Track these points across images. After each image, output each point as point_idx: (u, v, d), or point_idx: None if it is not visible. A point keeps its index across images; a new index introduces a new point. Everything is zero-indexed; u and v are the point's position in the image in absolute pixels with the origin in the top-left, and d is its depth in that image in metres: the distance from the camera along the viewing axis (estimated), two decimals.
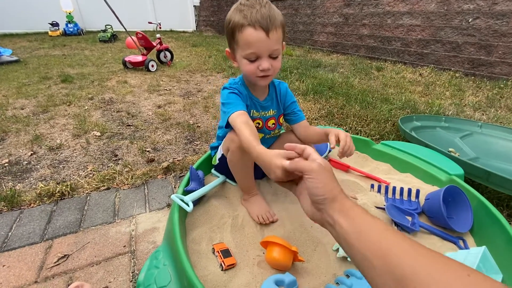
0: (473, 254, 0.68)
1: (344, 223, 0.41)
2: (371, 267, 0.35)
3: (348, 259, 0.72)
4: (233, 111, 0.78)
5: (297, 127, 0.98)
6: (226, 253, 0.73)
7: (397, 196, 1.00)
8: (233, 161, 0.86)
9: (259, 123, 0.94)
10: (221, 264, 0.70)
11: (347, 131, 1.54)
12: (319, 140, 0.92)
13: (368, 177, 1.12)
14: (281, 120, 1.00)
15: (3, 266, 0.81)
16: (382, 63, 3.70)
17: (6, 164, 1.34)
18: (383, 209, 0.91)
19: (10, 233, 0.93)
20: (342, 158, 0.80)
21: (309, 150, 0.50)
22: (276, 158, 0.54)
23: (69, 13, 6.61)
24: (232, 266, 0.71)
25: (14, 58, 3.59)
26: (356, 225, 0.40)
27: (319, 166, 0.46)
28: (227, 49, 0.85)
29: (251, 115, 0.91)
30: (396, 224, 0.84)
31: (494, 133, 1.53)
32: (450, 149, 1.34)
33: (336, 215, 0.42)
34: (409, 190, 0.99)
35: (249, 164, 0.87)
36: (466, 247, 0.80)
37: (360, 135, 1.56)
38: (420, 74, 3.09)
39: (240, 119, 0.75)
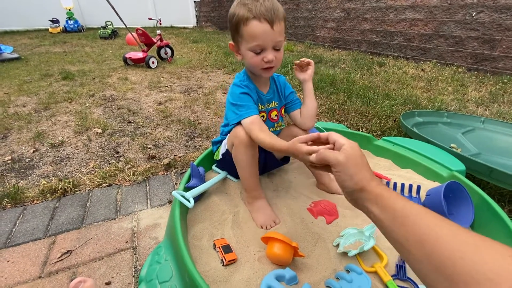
0: None
1: (376, 212, 0.41)
2: (409, 254, 0.35)
3: (348, 254, 0.73)
4: (246, 115, 0.80)
5: (296, 114, 0.99)
6: (227, 248, 0.73)
7: (398, 192, 1.00)
8: (238, 157, 0.86)
9: (263, 116, 0.94)
10: (222, 259, 0.71)
11: (348, 127, 1.54)
12: (310, 106, 0.95)
13: None
14: (283, 111, 1.01)
15: (8, 261, 0.82)
16: (384, 59, 3.67)
17: (9, 161, 1.35)
18: None
19: (14, 229, 0.94)
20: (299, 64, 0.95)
21: (334, 136, 0.50)
22: (300, 147, 0.56)
23: (69, 10, 6.59)
24: (233, 261, 0.71)
25: (15, 55, 3.59)
26: (388, 213, 0.39)
27: (345, 159, 0.45)
28: (231, 42, 0.85)
29: (258, 109, 0.92)
30: None
31: (497, 129, 1.51)
32: (452, 145, 1.33)
33: (368, 204, 0.43)
34: (410, 186, 0.99)
35: (254, 161, 0.86)
36: None
37: (362, 131, 1.56)
38: (422, 69, 3.07)
39: (255, 127, 0.77)
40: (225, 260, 0.70)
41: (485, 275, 0.26)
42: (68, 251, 0.85)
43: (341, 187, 0.47)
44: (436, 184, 1.02)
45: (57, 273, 0.78)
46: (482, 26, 2.82)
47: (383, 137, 1.31)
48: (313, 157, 0.51)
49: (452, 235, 0.32)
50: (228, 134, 0.91)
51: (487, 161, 1.00)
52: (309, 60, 0.94)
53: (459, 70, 2.98)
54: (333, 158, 0.46)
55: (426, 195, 0.91)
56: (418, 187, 0.98)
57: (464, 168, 1.03)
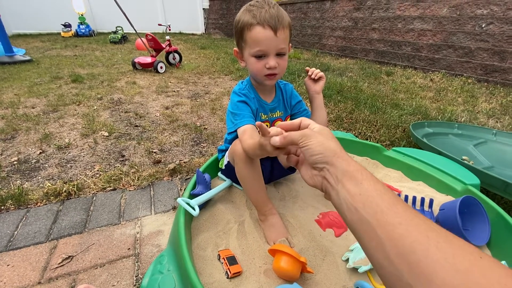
0: None
1: (348, 185, 0.36)
2: (373, 236, 0.32)
3: (359, 270, 0.70)
4: (241, 124, 0.79)
5: None
6: (232, 260, 0.71)
7: (409, 205, 0.96)
8: (240, 173, 0.83)
9: (267, 126, 0.92)
10: (226, 271, 0.68)
11: (356, 137, 1.51)
12: (321, 119, 0.93)
13: None
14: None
15: (8, 265, 0.80)
16: (391, 68, 3.65)
17: (15, 162, 1.35)
18: None
19: (16, 232, 0.93)
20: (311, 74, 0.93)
21: (306, 121, 0.47)
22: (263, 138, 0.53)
23: (81, 15, 6.75)
24: (238, 274, 0.69)
25: (27, 57, 3.66)
26: (364, 189, 0.35)
27: (310, 131, 0.44)
28: (235, 48, 0.86)
29: (260, 118, 0.90)
30: None
31: (509, 141, 1.47)
32: (463, 157, 1.29)
33: (340, 174, 0.38)
34: (422, 199, 0.95)
35: (257, 175, 0.82)
36: None
37: (370, 141, 1.53)
38: (431, 80, 3.03)
39: (246, 136, 0.76)
40: (230, 273, 0.67)
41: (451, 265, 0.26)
42: (69, 256, 0.84)
43: (309, 156, 0.42)
44: (449, 198, 0.99)
45: (57, 279, 0.77)
46: (492, 38, 2.79)
47: (393, 148, 1.28)
48: (275, 140, 0.47)
49: (427, 225, 0.30)
50: (229, 147, 0.90)
51: (501, 175, 0.96)
52: (322, 73, 0.93)
53: (469, 81, 2.94)
54: (297, 134, 0.44)
55: (440, 210, 0.88)
56: (431, 201, 0.94)
57: (479, 182, 0.99)
